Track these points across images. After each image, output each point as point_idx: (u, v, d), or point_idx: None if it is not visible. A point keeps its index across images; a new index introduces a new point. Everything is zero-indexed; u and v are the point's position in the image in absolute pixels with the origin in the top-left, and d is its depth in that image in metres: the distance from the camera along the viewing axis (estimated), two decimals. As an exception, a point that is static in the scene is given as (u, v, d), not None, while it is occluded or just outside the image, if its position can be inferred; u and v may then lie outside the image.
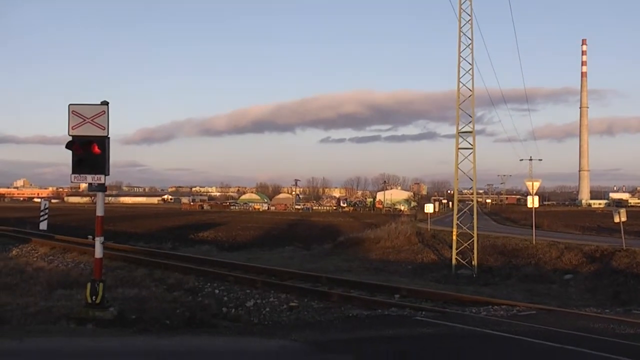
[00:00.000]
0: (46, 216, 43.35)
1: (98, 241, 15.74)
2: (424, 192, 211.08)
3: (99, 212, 15.89)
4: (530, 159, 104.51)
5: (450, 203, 46.68)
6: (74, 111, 14.88)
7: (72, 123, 14.85)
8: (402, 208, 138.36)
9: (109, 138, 15.12)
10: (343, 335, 12.82)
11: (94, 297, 15.04)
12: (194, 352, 11.19)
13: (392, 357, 10.72)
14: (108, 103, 15.21)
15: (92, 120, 14.83)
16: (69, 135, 14.88)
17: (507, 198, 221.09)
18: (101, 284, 15.15)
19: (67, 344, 12.00)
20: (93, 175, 14.99)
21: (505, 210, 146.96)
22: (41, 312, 16.00)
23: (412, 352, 11.25)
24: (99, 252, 15.80)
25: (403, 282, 25.79)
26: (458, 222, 32.62)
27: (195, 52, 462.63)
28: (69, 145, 14.85)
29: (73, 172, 15.05)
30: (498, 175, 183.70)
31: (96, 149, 14.83)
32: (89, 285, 15.17)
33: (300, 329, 13.70)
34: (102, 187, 15.37)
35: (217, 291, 20.55)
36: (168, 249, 38.95)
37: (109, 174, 15.18)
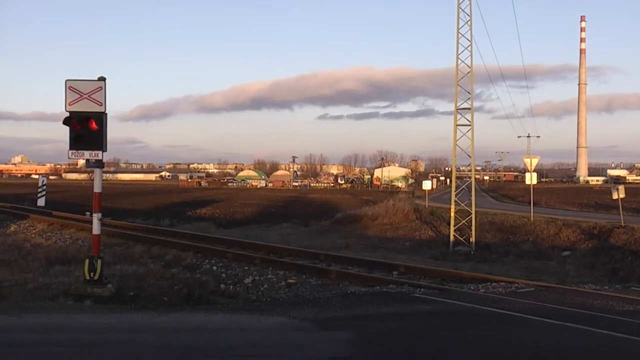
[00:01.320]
0: (44, 192, 43.19)
1: (95, 217, 15.69)
2: (422, 169, 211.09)
3: (97, 188, 15.83)
4: (529, 136, 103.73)
5: (448, 180, 46.65)
6: (71, 87, 14.76)
7: (69, 99, 14.74)
8: (400, 185, 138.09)
9: (106, 114, 15.02)
10: (342, 312, 12.76)
11: (92, 273, 15.03)
12: (192, 330, 11.14)
13: (392, 334, 10.66)
14: (105, 79, 15.09)
15: (89, 96, 14.72)
16: (66, 111, 14.78)
17: (505, 175, 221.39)
18: (99, 261, 15.13)
19: (65, 321, 11.96)
20: (90, 152, 14.90)
21: (503, 187, 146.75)
22: (40, 289, 15.99)
23: (411, 329, 11.20)
24: (96, 228, 15.76)
25: (401, 259, 25.80)
26: (456, 199, 32.55)
27: (192, 28, 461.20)
28: (66, 121, 14.74)
29: (70, 148, 14.95)
30: (496, 152, 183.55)
31: (93, 125, 14.73)
32: (86, 261, 15.15)
33: (299, 306, 13.65)
34: (99, 164, 15.32)
35: (215, 268, 20.54)
36: (166, 226, 38.87)
37: (106, 150, 15.10)
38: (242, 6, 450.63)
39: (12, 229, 31.80)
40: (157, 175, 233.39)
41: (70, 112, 14.75)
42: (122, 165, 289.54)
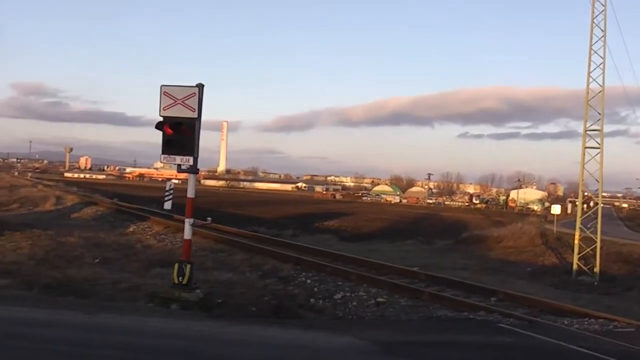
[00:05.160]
0: (171, 196, 44.44)
1: (187, 223, 15.80)
2: (560, 193, 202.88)
3: (190, 194, 15.92)
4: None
5: (585, 206, 44.72)
6: (166, 92, 14.90)
7: (164, 104, 14.88)
8: (535, 208, 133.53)
9: (199, 120, 15.03)
10: (415, 336, 12.19)
11: (180, 277, 15.06)
12: (253, 343, 10.87)
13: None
14: (203, 85, 15.12)
15: (182, 101, 14.78)
16: (160, 116, 14.93)
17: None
18: (188, 266, 15.13)
19: (134, 323, 12.04)
20: (182, 157, 14.95)
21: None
22: (130, 289, 16.24)
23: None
24: (187, 233, 15.88)
25: (518, 285, 24.81)
26: (581, 226, 30.83)
27: (337, 40, 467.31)
28: (158, 126, 14.88)
29: (163, 153, 15.10)
30: (637, 179, 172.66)
31: (185, 131, 14.79)
32: (176, 265, 15.20)
33: (376, 327, 13.22)
34: (193, 169, 15.35)
35: (309, 281, 20.20)
36: (288, 236, 39.15)
37: (197, 156, 15.12)
38: (386, 23, 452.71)
39: (130, 229, 32.95)
40: (293, 185, 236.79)
41: (163, 117, 14.89)
42: (260, 174, 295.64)
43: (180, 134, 14.82)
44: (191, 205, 15.87)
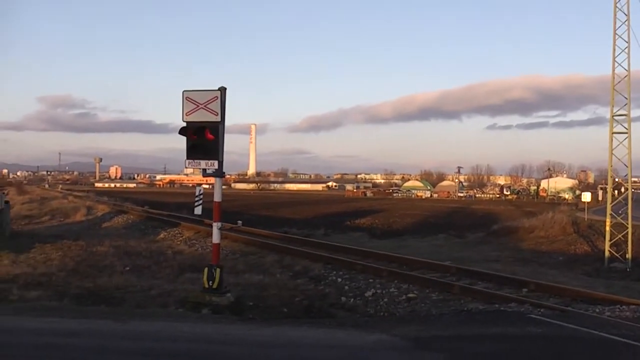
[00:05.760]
0: (201, 201, 44.68)
1: (215, 227, 15.84)
2: (591, 180, 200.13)
3: (217, 198, 15.98)
4: None
5: (616, 192, 44.14)
6: (188, 97, 14.95)
7: (186, 109, 14.93)
8: (567, 196, 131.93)
9: (223, 124, 15.05)
10: (447, 331, 12.05)
11: (210, 282, 15.14)
12: (284, 344, 10.88)
13: (486, 357, 9.91)
14: (225, 89, 15.15)
15: (205, 106, 14.82)
16: (183, 121, 14.96)
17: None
18: (218, 270, 15.19)
19: (165, 328, 12.07)
20: (207, 161, 15.00)
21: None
22: (161, 295, 16.33)
23: (511, 354, 10.38)
24: (216, 237, 15.94)
25: (551, 275, 24.54)
26: (612, 212, 30.38)
27: (363, 39, 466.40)
28: (182, 131, 14.94)
29: (187, 158, 15.17)
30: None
31: (209, 135, 14.82)
32: (205, 270, 15.27)
33: (407, 323, 13.12)
34: (219, 173, 15.36)
35: (339, 280, 20.16)
36: (319, 236, 39.12)
37: (222, 160, 15.13)
38: (409, 18, 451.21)
39: (161, 236, 33.17)
40: (324, 185, 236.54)
41: (187, 122, 14.93)
42: (290, 175, 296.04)
43: (204, 139, 14.86)
44: (218, 209, 15.92)
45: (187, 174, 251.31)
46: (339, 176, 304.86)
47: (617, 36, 28.96)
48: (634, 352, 10.52)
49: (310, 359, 9.99)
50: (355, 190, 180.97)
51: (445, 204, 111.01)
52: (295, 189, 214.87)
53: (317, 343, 11.06)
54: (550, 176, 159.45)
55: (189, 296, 15.47)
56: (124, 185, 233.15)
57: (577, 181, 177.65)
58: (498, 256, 32.44)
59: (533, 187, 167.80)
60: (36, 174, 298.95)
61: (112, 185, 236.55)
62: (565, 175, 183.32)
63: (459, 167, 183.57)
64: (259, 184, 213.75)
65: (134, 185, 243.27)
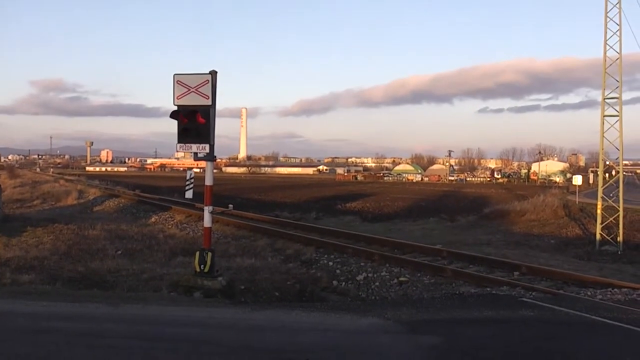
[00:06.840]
0: (192, 185, 44.66)
1: (207, 210, 15.81)
2: (582, 164, 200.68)
3: (208, 181, 15.95)
4: None
5: (607, 175, 44.20)
6: (179, 81, 14.88)
7: (177, 93, 14.86)
8: (557, 180, 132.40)
9: (214, 107, 15.01)
10: (440, 314, 12.06)
11: (202, 266, 15.14)
12: (277, 329, 10.85)
13: (481, 341, 9.93)
14: (216, 72, 15.08)
15: (196, 89, 14.76)
16: (174, 105, 14.89)
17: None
18: (209, 254, 15.19)
19: (159, 313, 12.06)
20: (198, 145, 14.94)
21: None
22: (153, 279, 16.37)
23: (504, 337, 10.41)
24: (207, 221, 15.91)
25: (542, 258, 24.56)
26: (603, 195, 30.43)
27: (353, 24, 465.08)
28: (173, 115, 14.87)
29: (178, 142, 15.10)
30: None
31: (200, 119, 14.76)
32: (197, 254, 15.27)
33: (399, 306, 13.05)
34: (210, 157, 15.32)
35: (331, 263, 20.19)
36: (311, 220, 39.10)
37: (213, 143, 15.09)
38: (401, 1, 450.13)
39: (153, 219, 33.15)
40: (315, 169, 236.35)
41: (178, 105, 14.85)
42: (281, 159, 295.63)
43: (195, 122, 14.80)
44: (210, 192, 15.90)
45: (177, 158, 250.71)
46: (329, 160, 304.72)
47: (608, 19, 28.86)
48: (625, 335, 10.55)
49: (303, 343, 9.94)
50: (345, 174, 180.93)
51: (435, 187, 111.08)
52: (286, 172, 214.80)
53: (311, 327, 11.03)
54: (541, 159, 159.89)
55: (181, 280, 15.45)
56: (115, 169, 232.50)
57: (568, 164, 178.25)
58: (489, 239, 32.43)
59: (524, 171, 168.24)
60: (27, 157, 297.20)
61: (103, 169, 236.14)
62: (556, 159, 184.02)
63: (450, 151, 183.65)
64: (250, 168, 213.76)
65: (125, 169, 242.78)
